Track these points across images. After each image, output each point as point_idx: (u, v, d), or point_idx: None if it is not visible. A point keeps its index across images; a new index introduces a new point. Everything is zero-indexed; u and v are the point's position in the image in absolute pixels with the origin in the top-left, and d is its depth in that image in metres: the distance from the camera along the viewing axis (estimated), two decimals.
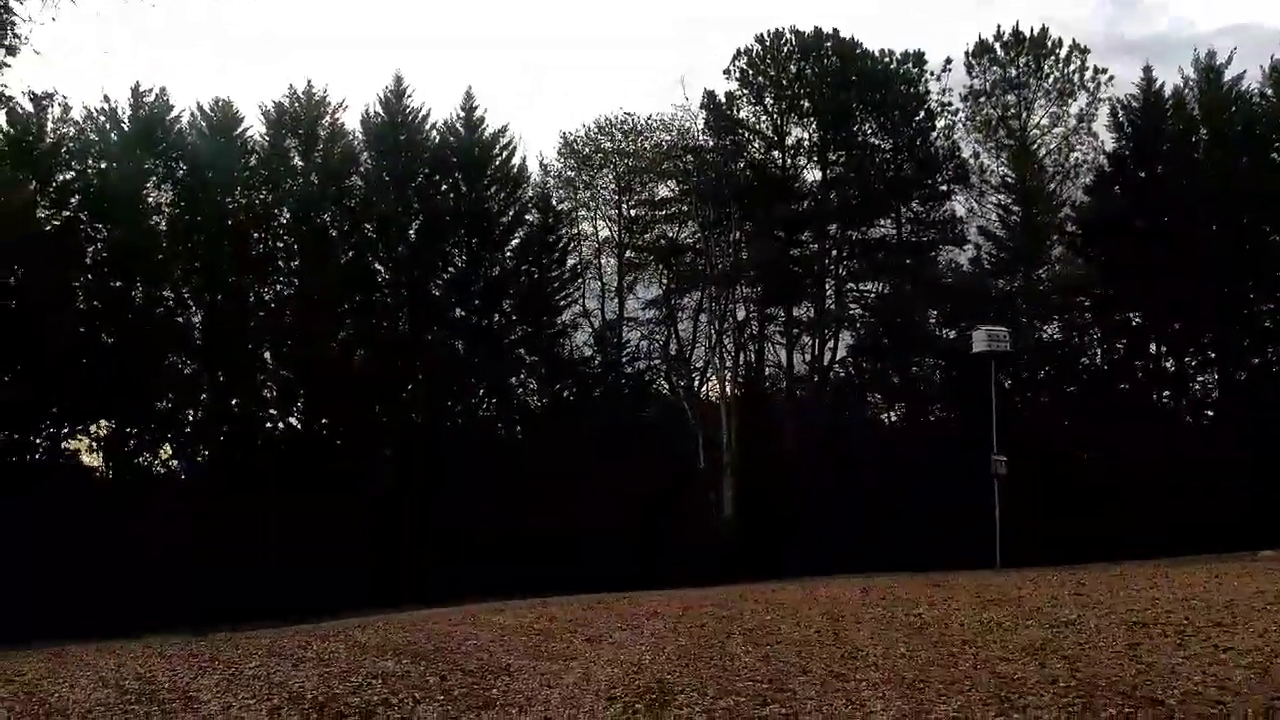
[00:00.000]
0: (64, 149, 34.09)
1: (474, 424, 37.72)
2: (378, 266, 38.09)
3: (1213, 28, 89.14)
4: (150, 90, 35.66)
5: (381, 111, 38.30)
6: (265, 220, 36.61)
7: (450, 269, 38.81)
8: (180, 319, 35.38)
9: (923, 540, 29.31)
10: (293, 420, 36.91)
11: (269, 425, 36.53)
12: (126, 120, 35.30)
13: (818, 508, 33.24)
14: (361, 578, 29.01)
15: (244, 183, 36.24)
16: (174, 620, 24.72)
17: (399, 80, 38.41)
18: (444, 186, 38.97)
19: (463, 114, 39.10)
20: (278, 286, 37.15)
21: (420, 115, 38.59)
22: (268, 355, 36.63)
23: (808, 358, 40.52)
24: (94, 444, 33.88)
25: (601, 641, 12.64)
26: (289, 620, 24.27)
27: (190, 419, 35.50)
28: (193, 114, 36.46)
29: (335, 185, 37.07)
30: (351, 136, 38.00)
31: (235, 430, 35.38)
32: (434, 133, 38.83)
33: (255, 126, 36.83)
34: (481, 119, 39.10)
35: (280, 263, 37.03)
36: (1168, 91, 36.29)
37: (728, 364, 38.47)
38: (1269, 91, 35.22)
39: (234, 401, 35.71)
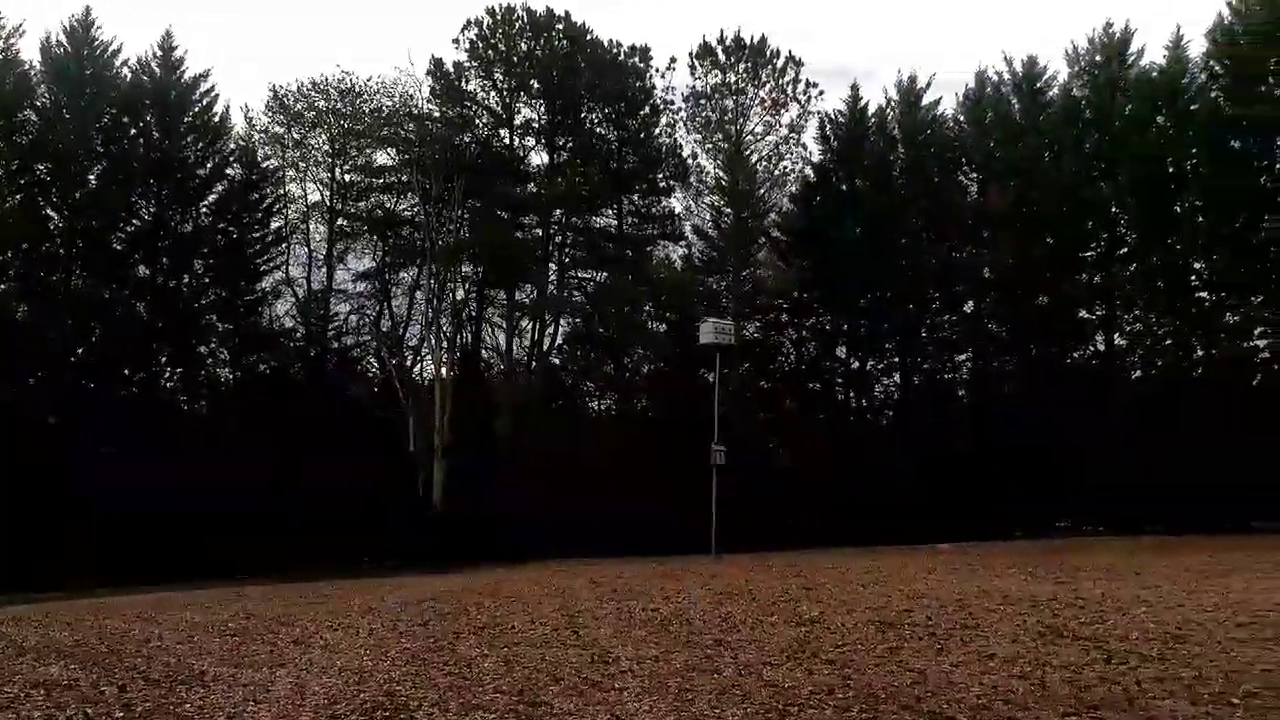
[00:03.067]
0: None
1: (155, 393, 34.40)
2: (50, 212, 33.92)
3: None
4: None
5: (65, 42, 34.02)
6: None
7: (135, 221, 35.14)
8: None
9: (636, 526, 29.75)
10: None
11: None
12: None
13: (531, 494, 33.00)
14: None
15: None
16: None
17: (87, 10, 34.27)
18: (133, 131, 35.26)
19: (160, 53, 35.51)
20: None
21: (110, 50, 34.67)
22: None
23: (526, 342, 40.22)
24: None
25: (311, 644, 11.51)
26: None
27: None
28: None
29: (5, 119, 32.48)
30: (28, 66, 33.51)
31: None
32: (125, 70, 35.02)
33: None
34: (181, 60, 35.73)
35: None
36: (871, 110, 38.92)
37: (444, 344, 37.31)
38: (961, 118, 38.52)
39: None
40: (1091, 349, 36.89)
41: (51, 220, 33.89)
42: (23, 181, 33.27)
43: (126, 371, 34.99)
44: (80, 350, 34.00)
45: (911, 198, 37.45)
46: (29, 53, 34.00)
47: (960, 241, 38.24)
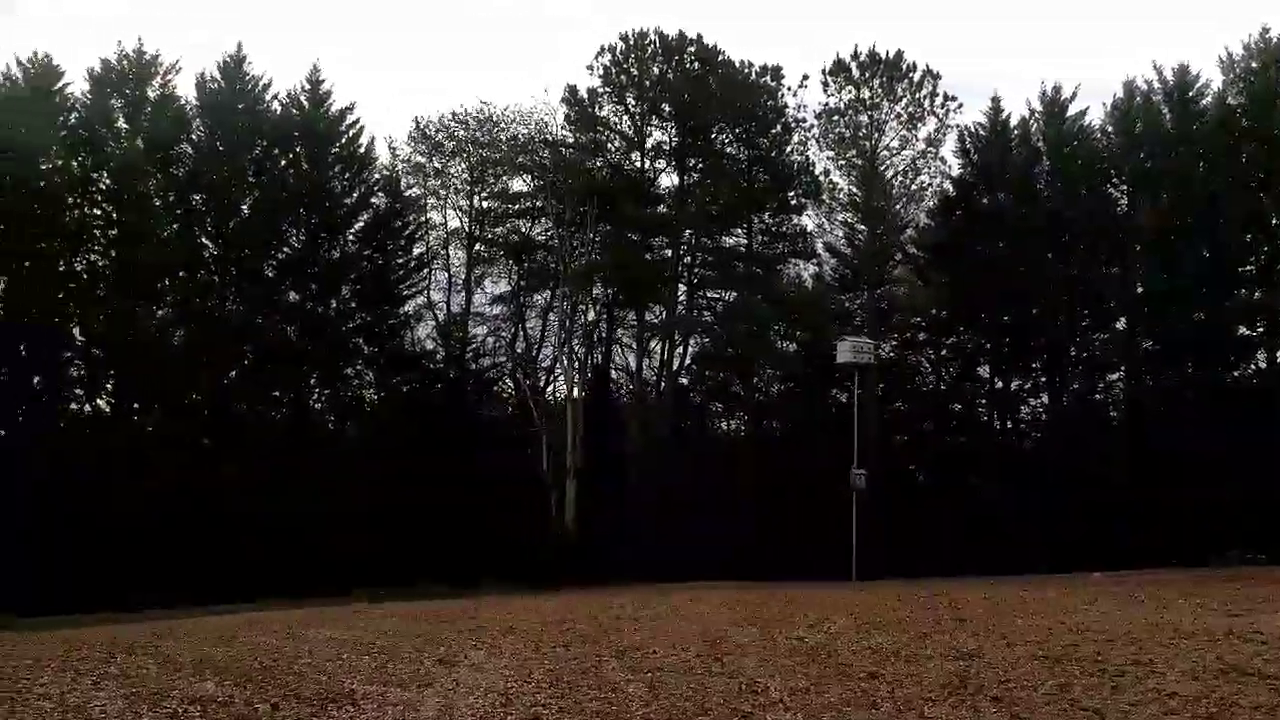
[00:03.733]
0: None
1: (305, 414, 35.69)
2: (205, 241, 35.57)
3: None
4: None
5: (219, 78, 35.78)
6: (82, 185, 33.56)
7: (285, 249, 36.60)
8: None
9: (769, 550, 29.29)
10: (100, 402, 34.06)
11: (74, 406, 33.50)
12: None
13: (663, 514, 32.86)
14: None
15: (60, 144, 33.06)
16: None
17: (239, 47, 36.11)
18: (283, 162, 36.80)
19: (308, 87, 36.99)
20: (92, 257, 34.16)
21: (261, 85, 36.30)
22: (76, 331, 33.56)
23: (656, 363, 40.22)
24: None
25: (456, 664, 11.51)
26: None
27: None
28: (6, 65, 33.38)
29: (162, 152, 34.31)
30: (184, 102, 35.35)
31: (34, 410, 32.23)
32: (275, 104, 36.59)
33: (78, 84, 33.85)
34: (328, 94, 37.10)
35: (96, 232, 34.09)
36: (1014, 122, 37.63)
37: (576, 365, 37.63)
38: (1109, 128, 36.90)
39: (36, 379, 32.53)
40: (1253, 367, 34.75)
41: (206, 249, 35.48)
42: (180, 212, 34.93)
43: (276, 393, 36.36)
44: (233, 373, 35.48)
45: (1057, 211, 35.98)
46: (185, 89, 35.70)
47: (1110, 256, 36.57)
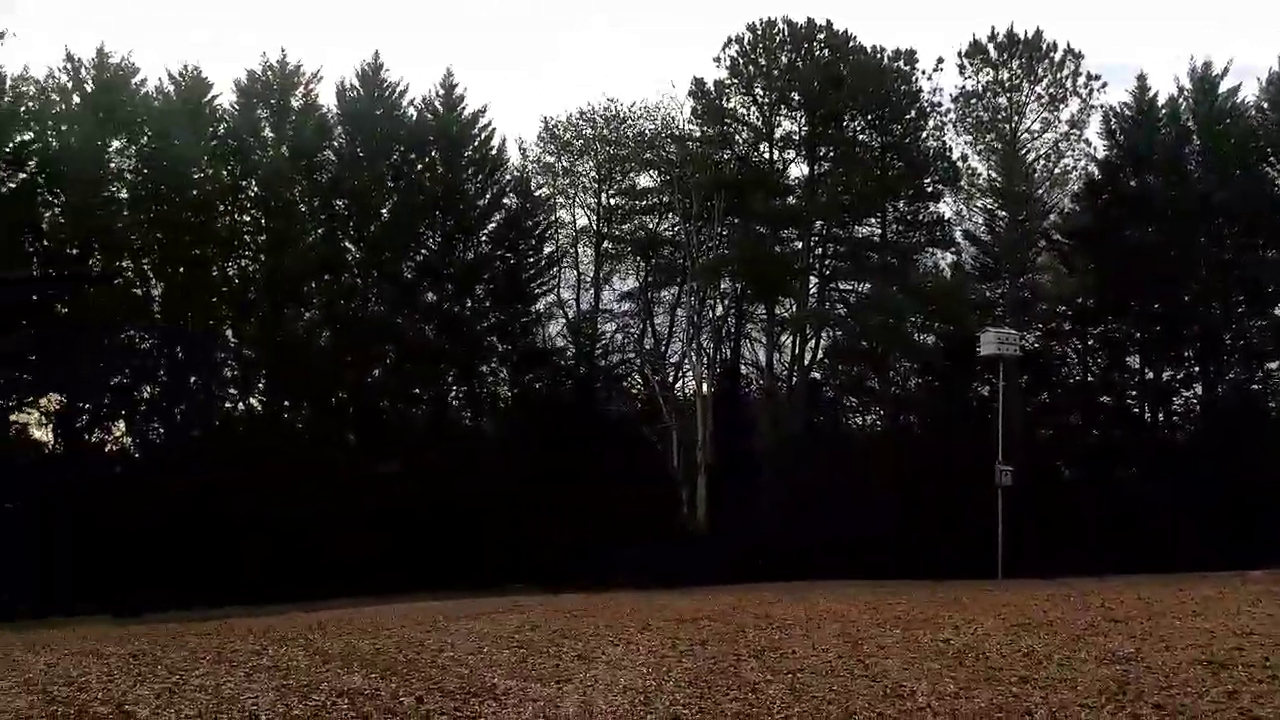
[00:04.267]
0: (22, 108, 32.42)
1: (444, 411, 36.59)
2: (348, 245, 36.79)
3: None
4: (115, 53, 34.10)
5: (358, 85, 36.97)
6: (232, 193, 35.21)
7: (423, 251, 37.58)
8: (139, 291, 33.82)
9: (907, 548, 28.57)
10: (253, 401, 35.64)
11: (228, 405, 35.15)
12: (90, 82, 33.68)
13: (796, 511, 32.40)
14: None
15: (211, 153, 34.71)
16: (115, 602, 23.74)
17: (376, 54, 37.19)
18: (419, 166, 37.77)
19: (442, 92, 37.89)
20: (242, 262, 35.78)
21: (398, 91, 37.35)
22: (229, 333, 35.20)
23: (787, 357, 39.69)
24: (43, 417, 32.33)
25: (595, 660, 11.56)
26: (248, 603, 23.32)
27: (146, 396, 33.97)
28: (160, 80, 35.15)
29: (306, 160, 35.71)
30: (325, 110, 36.66)
31: (192, 409, 33.95)
32: (411, 110, 37.66)
33: (225, 96, 35.47)
34: (461, 98, 37.92)
35: (246, 238, 35.70)
36: (1161, 101, 35.75)
37: (705, 361, 37.47)
38: (1265, 105, 34.72)
39: (192, 380, 34.25)
40: None
41: (349, 252, 36.71)
42: (324, 217, 36.27)
43: (417, 390, 37.37)
44: (376, 372, 36.62)
45: (1210, 192, 33.97)
46: (326, 97, 36.96)
47: (1268, 238, 34.37)
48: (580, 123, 39.19)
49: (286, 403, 35.96)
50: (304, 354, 34.18)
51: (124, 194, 34.06)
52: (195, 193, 33.98)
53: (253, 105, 35.60)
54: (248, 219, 35.92)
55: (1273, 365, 35.40)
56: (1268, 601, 16.25)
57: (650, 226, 39.91)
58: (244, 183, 35.49)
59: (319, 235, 35.92)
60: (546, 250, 39.86)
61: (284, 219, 35.08)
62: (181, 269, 33.88)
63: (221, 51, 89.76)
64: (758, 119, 39.18)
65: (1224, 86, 35.05)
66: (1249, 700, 8.65)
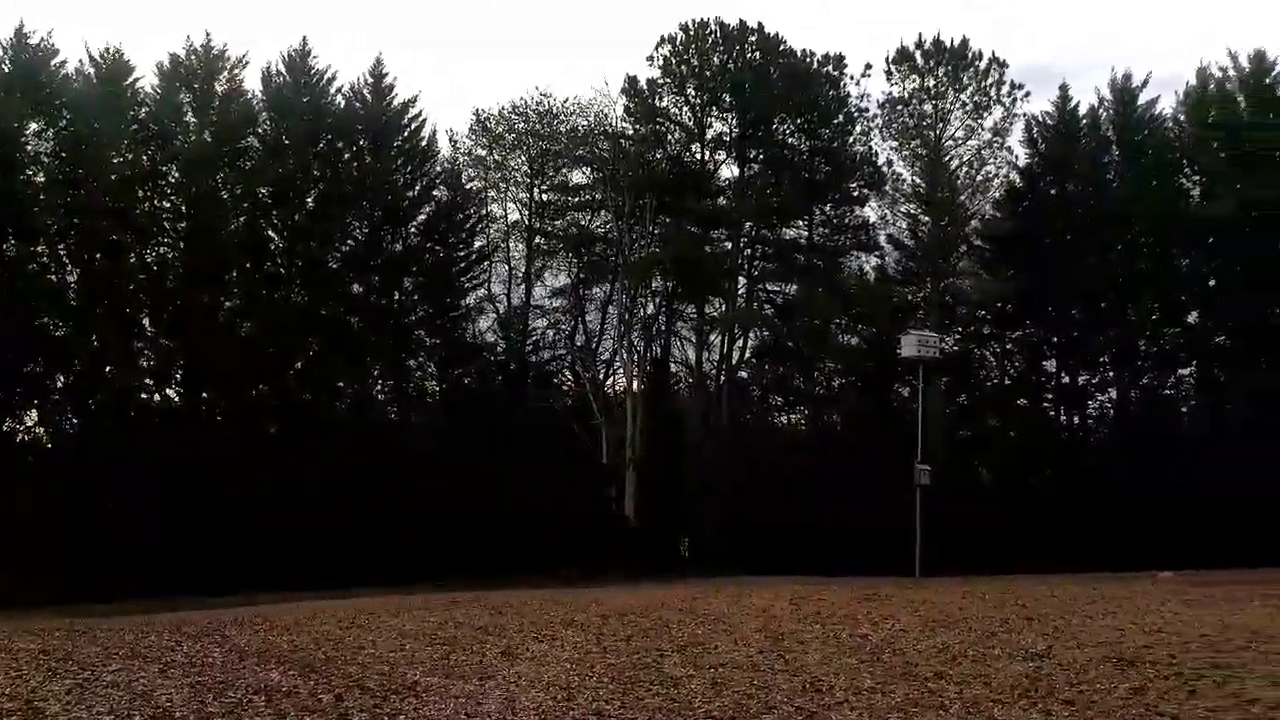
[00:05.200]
0: None
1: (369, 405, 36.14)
2: (271, 234, 36.02)
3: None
4: (35, 32, 32.84)
5: (284, 71, 36.17)
6: (152, 179, 34.21)
7: (350, 242, 36.99)
8: (54, 277, 32.73)
9: (828, 544, 29.04)
10: (170, 392, 34.76)
11: (144, 396, 34.22)
12: (8, 63, 32.44)
13: (723, 507, 32.74)
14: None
15: (131, 138, 33.71)
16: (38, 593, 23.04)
17: (304, 41, 36.52)
18: (347, 155, 37.08)
19: (371, 80, 37.25)
20: (162, 249, 34.80)
21: (325, 78, 36.54)
22: (147, 321, 34.26)
23: (715, 356, 40.03)
24: None
25: (518, 656, 11.54)
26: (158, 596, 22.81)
27: (59, 385, 32.94)
28: (80, 61, 33.97)
29: (230, 146, 34.80)
30: (250, 96, 35.81)
31: (108, 399, 33.01)
32: (339, 98, 36.88)
33: (147, 79, 34.46)
34: (391, 87, 37.32)
35: (166, 224, 34.71)
36: (1082, 110, 36.76)
37: (635, 358, 37.60)
38: (1181, 118, 35.87)
39: (108, 369, 33.30)
40: None
41: (272, 241, 35.92)
42: (246, 205, 35.42)
43: (341, 384, 36.81)
44: (299, 364, 35.97)
45: (1127, 202, 35.04)
46: (251, 83, 35.99)
47: (1183, 248, 35.56)
48: (513, 116, 39.10)
49: (205, 394, 35.11)
50: (224, 344, 33.39)
51: (40, 178, 32.89)
52: (114, 177, 32.94)
53: (175, 89, 34.60)
54: (168, 205, 34.93)
55: (1184, 372, 36.60)
56: (1175, 601, 16.83)
57: (583, 223, 39.90)
58: (165, 168, 34.49)
59: (241, 223, 35.12)
60: (477, 244, 39.59)
61: (205, 206, 34.23)
62: (99, 255, 32.88)
63: (145, 33, 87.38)
64: (690, 119, 39.47)
65: (1143, 99, 36.14)
66: (1155, 697, 8.94)
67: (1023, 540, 31.38)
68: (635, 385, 37.24)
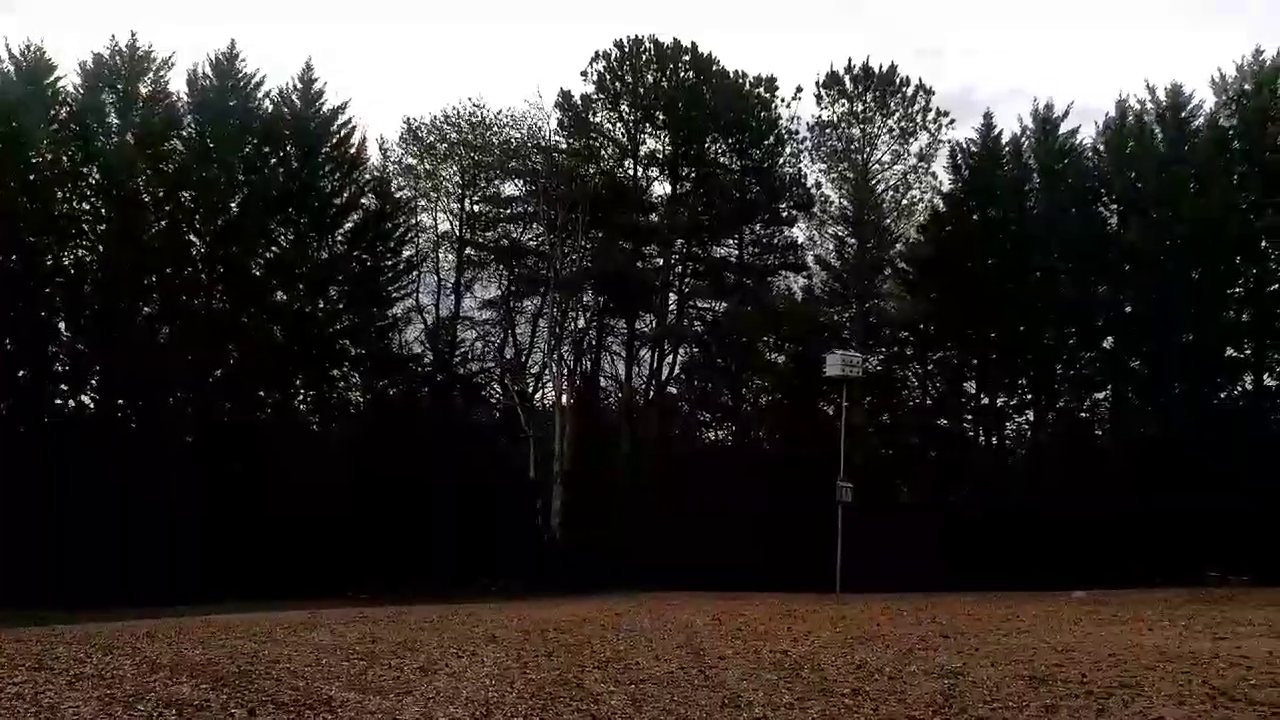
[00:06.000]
0: None
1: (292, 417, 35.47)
2: (193, 239, 35.27)
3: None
4: None
5: (210, 74, 35.50)
6: (72, 179, 33.34)
7: (274, 248, 36.37)
8: None
9: (753, 560, 29.26)
10: (85, 399, 33.81)
11: (58, 402, 33.23)
12: None
13: (650, 523, 32.78)
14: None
15: (51, 137, 32.82)
16: None
17: (232, 44, 35.77)
18: (273, 161, 36.46)
19: (300, 85, 36.70)
20: (80, 252, 33.89)
21: (253, 82, 35.92)
22: (62, 325, 33.30)
23: (645, 371, 40.21)
24: None
25: (437, 671, 11.43)
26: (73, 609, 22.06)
27: None
28: (0, 58, 32.99)
29: (152, 148, 34.04)
30: (175, 98, 35.09)
31: (20, 405, 32.00)
32: (267, 102, 36.29)
33: (70, 78, 33.60)
34: (320, 93, 36.77)
35: (85, 226, 33.81)
36: (1005, 139, 37.71)
37: (565, 372, 37.59)
38: (1101, 147, 37.02)
39: (20, 373, 32.27)
40: (1240, 389, 34.87)
41: (194, 246, 35.14)
42: (168, 209, 34.64)
43: (262, 393, 36.12)
44: (219, 371, 35.22)
45: (1047, 229, 36.03)
46: (176, 84, 35.28)
47: (1099, 275, 36.66)
48: (444, 126, 38.89)
49: (121, 400, 34.19)
50: (141, 350, 32.58)
51: None
52: (33, 177, 32.09)
53: (98, 89, 33.80)
54: (87, 207, 34.05)
55: (1100, 395, 37.63)
56: (1088, 620, 17.30)
57: (514, 235, 39.81)
58: (85, 169, 33.65)
59: (162, 226, 34.34)
60: (406, 253, 39.06)
61: (126, 208, 33.41)
62: (15, 256, 31.89)
63: (68, 31, 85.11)
64: (623, 135, 39.74)
65: (1064, 128, 37.16)
66: (1066, 714, 9.18)
67: (943, 557, 32.02)
68: (564, 399, 37.21)
